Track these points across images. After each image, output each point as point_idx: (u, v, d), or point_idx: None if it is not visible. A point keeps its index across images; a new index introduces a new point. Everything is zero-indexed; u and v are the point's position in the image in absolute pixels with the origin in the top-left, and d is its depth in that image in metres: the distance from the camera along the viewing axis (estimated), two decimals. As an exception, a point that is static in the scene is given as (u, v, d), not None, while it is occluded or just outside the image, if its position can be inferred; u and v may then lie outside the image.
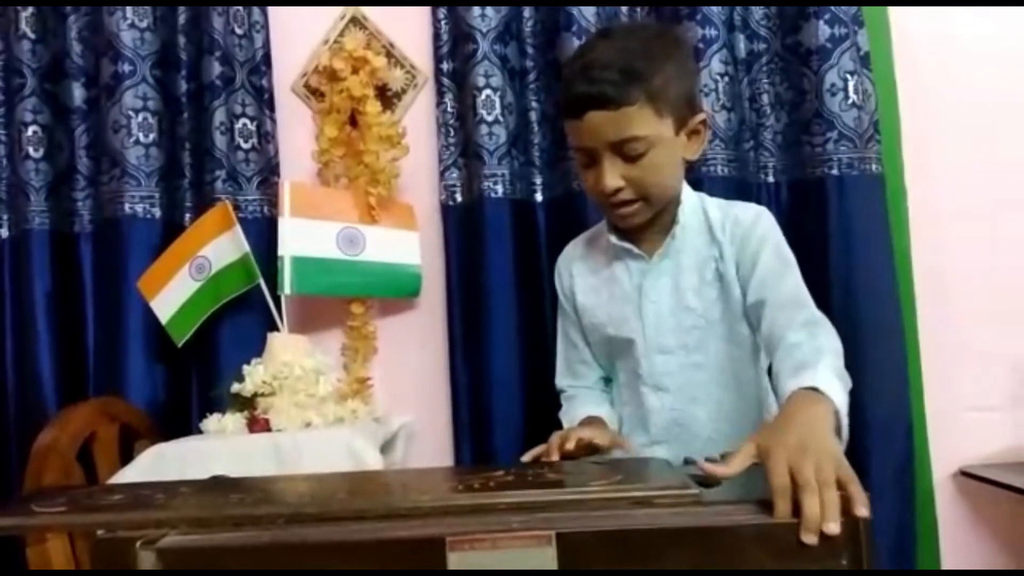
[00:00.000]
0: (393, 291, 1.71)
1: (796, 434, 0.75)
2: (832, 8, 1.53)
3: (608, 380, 1.31)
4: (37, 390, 1.67)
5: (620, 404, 1.27)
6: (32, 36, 1.74)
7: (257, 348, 1.53)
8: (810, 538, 0.65)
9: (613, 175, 1.09)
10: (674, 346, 1.17)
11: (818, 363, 0.90)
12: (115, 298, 1.66)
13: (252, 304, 1.60)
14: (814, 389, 0.85)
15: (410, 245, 1.71)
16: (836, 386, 0.86)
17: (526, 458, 1.12)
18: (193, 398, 1.66)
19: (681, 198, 1.19)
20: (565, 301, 1.31)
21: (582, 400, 1.28)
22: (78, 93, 1.74)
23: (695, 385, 1.17)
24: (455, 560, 0.66)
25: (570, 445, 1.05)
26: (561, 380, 1.33)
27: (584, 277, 1.27)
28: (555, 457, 1.05)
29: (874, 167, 1.53)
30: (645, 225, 1.17)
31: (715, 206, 1.20)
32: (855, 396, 1.43)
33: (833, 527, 0.65)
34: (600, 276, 1.25)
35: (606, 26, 1.55)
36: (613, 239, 1.20)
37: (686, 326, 1.16)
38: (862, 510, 0.66)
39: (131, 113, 1.67)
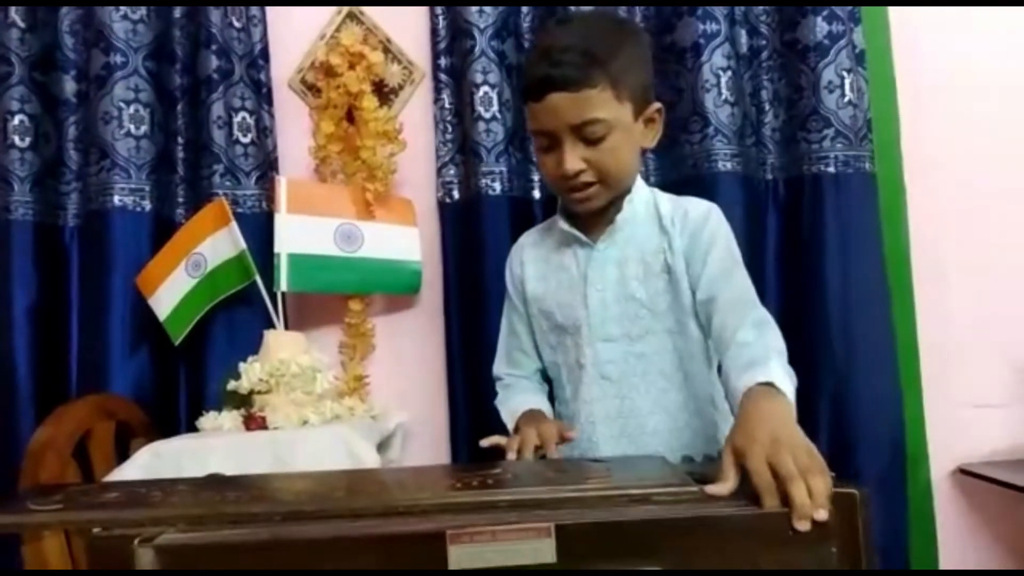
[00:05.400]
0: (392, 287, 1.71)
1: (766, 430, 0.77)
2: (831, 5, 1.52)
3: (544, 372, 1.31)
4: (15, 386, 1.64)
5: (559, 404, 1.27)
6: (22, 25, 1.71)
7: (253, 345, 1.52)
8: (803, 524, 0.67)
9: (574, 157, 1.10)
10: (617, 334, 1.17)
11: (768, 360, 0.92)
12: (102, 291, 1.63)
13: (248, 301, 1.59)
14: (769, 384, 0.87)
15: (409, 241, 1.70)
16: (786, 382, 0.89)
17: (484, 443, 1.14)
18: (182, 395, 1.65)
19: (632, 189, 1.19)
20: (513, 290, 1.31)
21: (520, 389, 1.29)
22: (68, 86, 1.72)
23: (638, 375, 1.17)
24: (455, 553, 0.65)
25: (528, 452, 1.05)
26: (499, 368, 1.35)
27: (535, 264, 1.28)
28: (526, 455, 1.05)
29: (867, 165, 1.53)
30: (597, 213, 1.18)
31: (666, 199, 1.22)
32: (849, 391, 1.46)
33: (822, 514, 0.68)
34: (550, 264, 1.25)
35: (564, 14, 1.56)
36: (563, 225, 1.21)
37: (630, 315, 1.17)
38: (822, 513, 0.68)
39: (122, 105, 1.65)
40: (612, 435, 1.17)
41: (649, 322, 1.16)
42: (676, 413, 1.16)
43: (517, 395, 1.27)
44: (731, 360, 0.99)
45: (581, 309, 1.19)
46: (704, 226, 1.15)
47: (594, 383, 1.18)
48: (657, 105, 1.17)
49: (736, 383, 0.92)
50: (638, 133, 1.15)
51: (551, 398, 1.29)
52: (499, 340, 1.35)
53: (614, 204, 1.18)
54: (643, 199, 1.20)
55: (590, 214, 1.18)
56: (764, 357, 0.93)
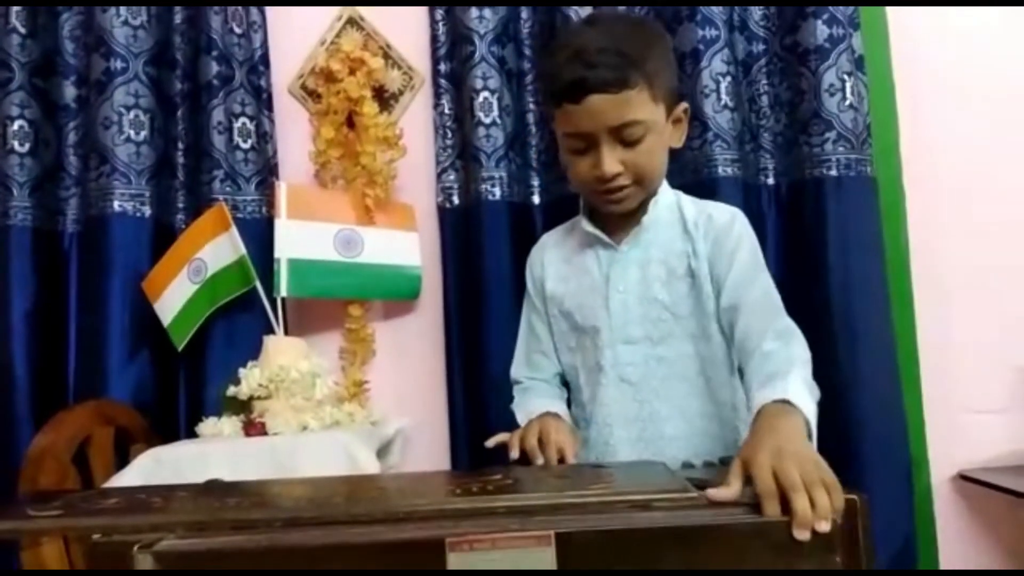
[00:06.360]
0: (392, 293, 1.71)
1: (773, 442, 0.77)
2: (831, 8, 1.52)
3: (563, 376, 1.30)
4: (14, 391, 1.63)
5: (576, 406, 1.26)
6: (22, 31, 1.71)
7: (252, 350, 1.52)
8: (803, 534, 0.67)
9: (612, 160, 1.09)
10: (639, 337, 1.16)
11: (789, 374, 0.92)
12: (101, 297, 1.62)
13: (248, 306, 1.59)
14: (785, 401, 0.87)
15: (409, 246, 1.70)
16: (805, 397, 0.88)
17: (489, 443, 1.14)
18: (181, 401, 1.65)
19: (658, 190, 1.19)
20: (534, 291, 1.30)
21: (538, 392, 1.28)
22: (68, 91, 1.73)
23: (658, 379, 1.16)
24: (454, 562, 0.65)
25: (535, 458, 1.05)
26: (517, 371, 1.33)
27: (556, 266, 1.27)
28: (530, 440, 1.06)
29: (868, 169, 1.53)
30: (622, 214, 1.17)
31: (690, 203, 1.21)
32: (850, 396, 1.46)
33: (824, 525, 0.67)
34: (572, 265, 1.25)
35: (590, 14, 1.53)
36: (586, 226, 1.20)
37: (652, 317, 1.16)
38: (824, 525, 0.67)
39: (122, 110, 1.65)
40: (629, 439, 1.16)
41: (671, 325, 1.16)
42: (695, 419, 1.15)
43: (535, 398, 1.25)
44: (753, 371, 0.99)
45: (602, 311, 1.18)
46: (729, 232, 1.15)
47: (612, 386, 1.18)
48: (684, 105, 1.17)
49: (755, 395, 0.92)
50: (668, 133, 1.15)
51: (569, 403, 1.28)
52: (517, 343, 1.34)
53: (641, 205, 1.17)
54: (667, 201, 1.20)
55: (621, 215, 1.18)
56: (784, 371, 0.92)
